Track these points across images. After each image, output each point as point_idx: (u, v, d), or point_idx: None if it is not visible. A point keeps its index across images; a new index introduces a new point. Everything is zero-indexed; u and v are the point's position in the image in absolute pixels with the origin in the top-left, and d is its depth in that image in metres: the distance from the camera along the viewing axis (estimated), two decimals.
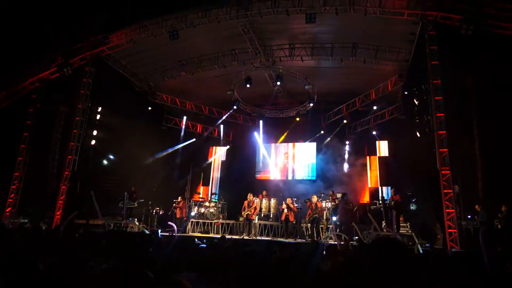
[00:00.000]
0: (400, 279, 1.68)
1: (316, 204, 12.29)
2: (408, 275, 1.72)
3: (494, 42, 9.97)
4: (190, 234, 13.32)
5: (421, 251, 8.11)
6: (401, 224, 11.84)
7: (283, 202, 13.01)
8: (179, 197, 14.56)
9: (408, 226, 11.87)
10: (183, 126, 18.05)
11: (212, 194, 16.62)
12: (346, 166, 16.74)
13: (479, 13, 10.08)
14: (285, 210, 12.63)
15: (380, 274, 1.71)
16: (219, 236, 11.42)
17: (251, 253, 2.39)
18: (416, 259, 4.96)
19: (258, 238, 12.45)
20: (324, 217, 12.68)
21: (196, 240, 7.06)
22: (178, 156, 17.93)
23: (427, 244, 9.85)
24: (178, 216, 13.84)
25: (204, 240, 9.21)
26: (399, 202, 11.70)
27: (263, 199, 14.07)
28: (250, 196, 13.18)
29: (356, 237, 10.70)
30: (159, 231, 12.02)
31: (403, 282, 1.68)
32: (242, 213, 13.11)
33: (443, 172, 9.77)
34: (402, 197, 12.12)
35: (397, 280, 1.67)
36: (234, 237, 11.92)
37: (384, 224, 11.70)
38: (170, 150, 17.53)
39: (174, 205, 14.05)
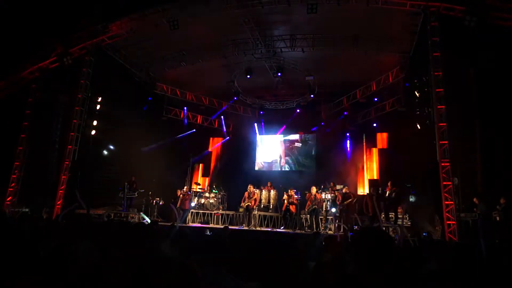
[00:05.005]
0: (386, 269, 1.69)
1: (315, 195, 12.35)
2: (393, 265, 1.74)
3: (496, 34, 9.89)
4: (190, 224, 13.41)
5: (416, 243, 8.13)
6: (399, 216, 11.90)
7: (285, 193, 13.07)
8: (185, 187, 14.48)
9: (407, 218, 11.92)
10: (184, 117, 18.02)
11: (211, 185, 16.65)
12: (346, 158, 16.75)
13: (483, 4, 9.98)
14: (286, 201, 12.72)
15: (368, 264, 1.73)
16: (219, 226, 11.50)
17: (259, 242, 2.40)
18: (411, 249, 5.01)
19: (258, 229, 12.53)
20: (324, 209, 12.76)
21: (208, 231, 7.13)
22: (178, 147, 17.93)
23: (424, 234, 9.91)
24: (183, 207, 13.75)
25: (208, 230, 9.29)
26: (398, 193, 11.76)
27: (264, 190, 14.11)
28: (250, 188, 13.23)
29: (355, 227, 10.77)
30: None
31: (390, 272, 1.69)
32: (243, 204, 13.17)
33: (442, 164, 9.79)
34: (401, 189, 12.16)
35: (384, 271, 1.69)
36: (234, 227, 12.02)
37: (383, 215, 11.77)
38: (169, 141, 17.52)
39: (181, 196, 13.85)
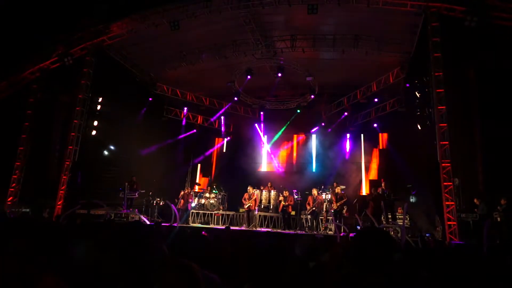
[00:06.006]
0: (386, 270, 1.69)
1: (316, 197, 12.35)
2: (393, 266, 1.73)
3: (496, 34, 9.89)
4: (191, 224, 13.40)
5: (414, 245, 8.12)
6: (400, 216, 11.89)
7: (280, 194, 13.14)
8: (187, 189, 14.41)
9: (408, 218, 11.91)
10: (184, 117, 18.04)
11: (212, 185, 16.63)
12: (346, 158, 16.73)
13: (483, 4, 9.97)
14: (282, 202, 12.76)
15: (368, 265, 1.72)
16: (219, 227, 11.48)
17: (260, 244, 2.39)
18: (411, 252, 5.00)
19: (258, 229, 12.53)
20: (324, 209, 12.75)
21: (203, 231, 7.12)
22: (178, 147, 17.93)
23: (427, 234, 9.91)
24: (183, 207, 13.70)
25: (204, 231, 9.25)
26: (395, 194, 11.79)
27: (264, 190, 14.12)
28: (250, 189, 13.24)
29: (358, 227, 10.75)
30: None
31: (390, 273, 1.69)
32: (243, 205, 13.17)
33: (443, 164, 9.79)
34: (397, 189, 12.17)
35: (384, 271, 1.68)
36: (234, 228, 12.02)
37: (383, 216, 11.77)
38: (169, 142, 17.52)
39: (188, 197, 13.71)
